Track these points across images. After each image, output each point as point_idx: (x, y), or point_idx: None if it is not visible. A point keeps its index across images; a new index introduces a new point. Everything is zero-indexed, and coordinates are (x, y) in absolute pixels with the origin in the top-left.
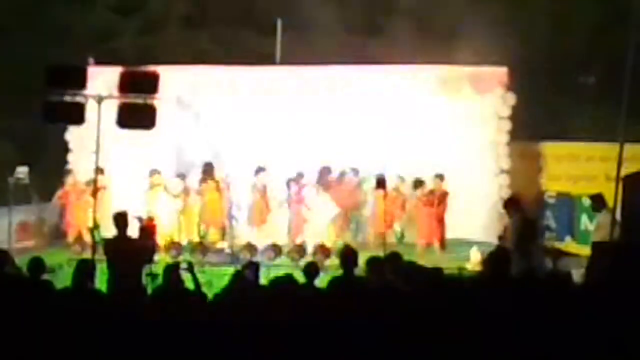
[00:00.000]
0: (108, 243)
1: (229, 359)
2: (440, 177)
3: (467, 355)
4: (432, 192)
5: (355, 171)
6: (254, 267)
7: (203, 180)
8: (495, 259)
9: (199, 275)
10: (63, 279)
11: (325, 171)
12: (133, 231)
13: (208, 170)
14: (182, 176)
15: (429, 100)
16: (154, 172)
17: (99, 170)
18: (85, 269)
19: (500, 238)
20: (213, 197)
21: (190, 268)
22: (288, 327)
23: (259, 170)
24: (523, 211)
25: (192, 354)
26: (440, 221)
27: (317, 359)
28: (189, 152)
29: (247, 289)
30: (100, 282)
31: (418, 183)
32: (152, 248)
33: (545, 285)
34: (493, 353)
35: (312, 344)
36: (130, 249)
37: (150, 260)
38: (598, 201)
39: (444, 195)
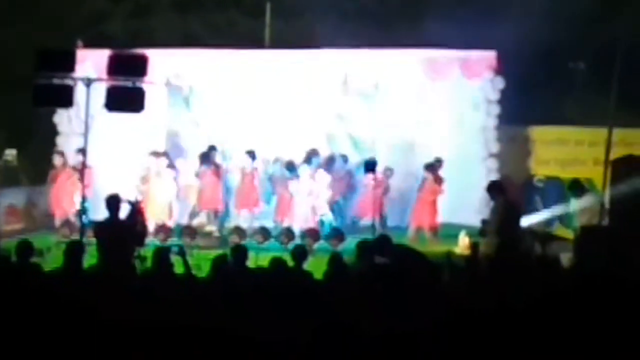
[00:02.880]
0: (99, 226)
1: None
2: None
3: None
4: (424, 178)
5: (345, 157)
6: (241, 250)
7: (201, 164)
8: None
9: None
10: (51, 262)
11: (313, 154)
12: (123, 214)
13: (207, 155)
14: (172, 159)
15: (418, 84)
16: (158, 153)
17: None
18: (75, 250)
19: (485, 222)
20: (210, 181)
21: (181, 252)
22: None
23: (247, 153)
24: (507, 194)
25: (181, 339)
26: (432, 206)
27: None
28: (177, 135)
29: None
30: (90, 264)
31: (429, 166)
32: (143, 231)
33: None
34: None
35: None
36: (121, 232)
37: (140, 243)
38: (577, 188)
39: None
